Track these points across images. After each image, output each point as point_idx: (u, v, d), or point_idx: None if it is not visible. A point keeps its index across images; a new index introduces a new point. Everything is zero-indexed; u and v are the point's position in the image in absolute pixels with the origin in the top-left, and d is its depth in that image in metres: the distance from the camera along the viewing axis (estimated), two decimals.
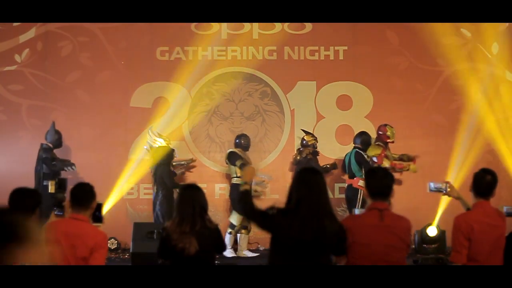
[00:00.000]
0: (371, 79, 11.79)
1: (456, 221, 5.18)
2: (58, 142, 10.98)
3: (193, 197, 5.47)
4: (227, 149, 11.33)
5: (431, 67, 11.73)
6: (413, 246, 10.32)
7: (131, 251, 9.48)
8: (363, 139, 11.01)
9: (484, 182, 5.27)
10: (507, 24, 11.72)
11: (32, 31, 11.70)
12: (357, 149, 10.92)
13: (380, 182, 4.86)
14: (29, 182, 10.53)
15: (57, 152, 10.95)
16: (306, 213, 4.60)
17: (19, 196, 5.04)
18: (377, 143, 10.97)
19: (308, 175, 4.84)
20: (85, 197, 5.15)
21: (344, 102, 11.87)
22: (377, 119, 11.62)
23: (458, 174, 10.75)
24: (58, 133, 10.99)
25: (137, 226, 9.61)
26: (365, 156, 10.80)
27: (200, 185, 5.83)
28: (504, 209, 5.57)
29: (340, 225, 4.74)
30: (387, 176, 4.92)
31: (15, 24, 11.63)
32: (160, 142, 10.91)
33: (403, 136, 11.43)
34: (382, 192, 4.85)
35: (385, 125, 11.03)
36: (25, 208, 5.00)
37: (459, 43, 11.80)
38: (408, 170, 10.99)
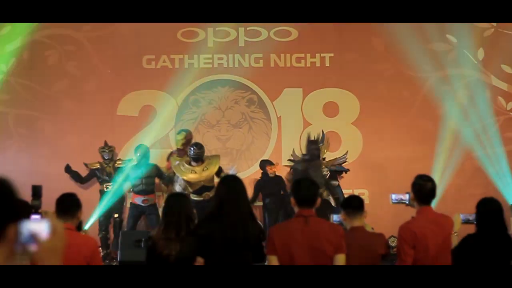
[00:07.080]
0: (357, 86, 11.79)
1: (399, 230, 5.35)
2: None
3: (179, 205, 5.50)
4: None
5: (417, 73, 11.73)
6: None
7: (119, 259, 9.47)
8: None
9: (426, 189, 5.41)
10: (492, 29, 11.78)
11: (18, 40, 11.66)
12: None
13: (307, 191, 5.08)
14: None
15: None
16: (230, 215, 5.07)
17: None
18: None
19: (228, 181, 5.39)
20: (73, 206, 5.26)
21: (330, 109, 11.87)
22: (363, 126, 11.65)
23: (441, 181, 10.69)
24: None
25: (125, 235, 9.60)
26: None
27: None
28: (461, 216, 5.67)
29: (261, 228, 5.20)
30: (313, 186, 5.14)
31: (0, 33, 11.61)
32: None
33: (390, 143, 11.48)
34: (308, 200, 5.06)
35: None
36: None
37: (445, 49, 11.82)
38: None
